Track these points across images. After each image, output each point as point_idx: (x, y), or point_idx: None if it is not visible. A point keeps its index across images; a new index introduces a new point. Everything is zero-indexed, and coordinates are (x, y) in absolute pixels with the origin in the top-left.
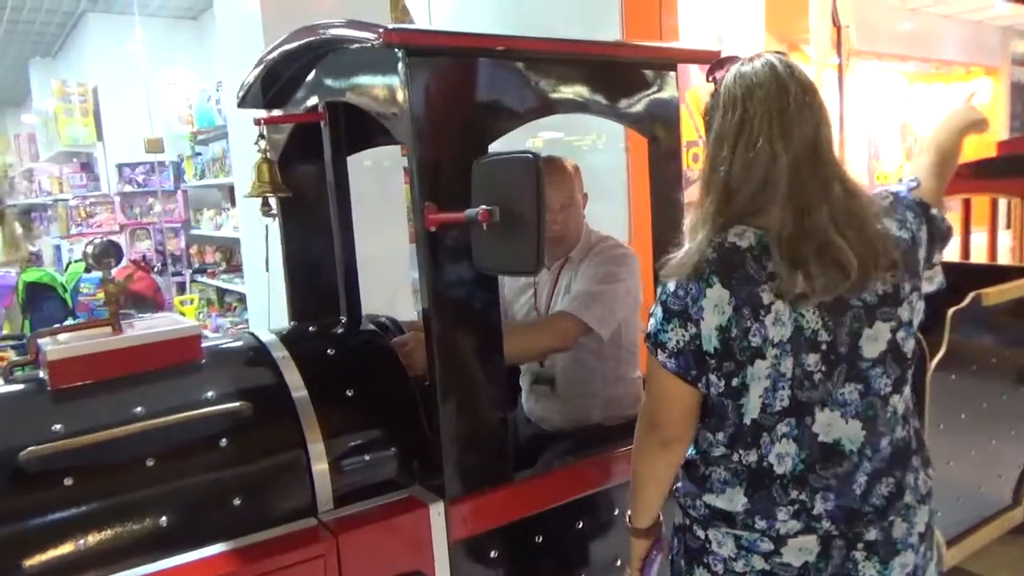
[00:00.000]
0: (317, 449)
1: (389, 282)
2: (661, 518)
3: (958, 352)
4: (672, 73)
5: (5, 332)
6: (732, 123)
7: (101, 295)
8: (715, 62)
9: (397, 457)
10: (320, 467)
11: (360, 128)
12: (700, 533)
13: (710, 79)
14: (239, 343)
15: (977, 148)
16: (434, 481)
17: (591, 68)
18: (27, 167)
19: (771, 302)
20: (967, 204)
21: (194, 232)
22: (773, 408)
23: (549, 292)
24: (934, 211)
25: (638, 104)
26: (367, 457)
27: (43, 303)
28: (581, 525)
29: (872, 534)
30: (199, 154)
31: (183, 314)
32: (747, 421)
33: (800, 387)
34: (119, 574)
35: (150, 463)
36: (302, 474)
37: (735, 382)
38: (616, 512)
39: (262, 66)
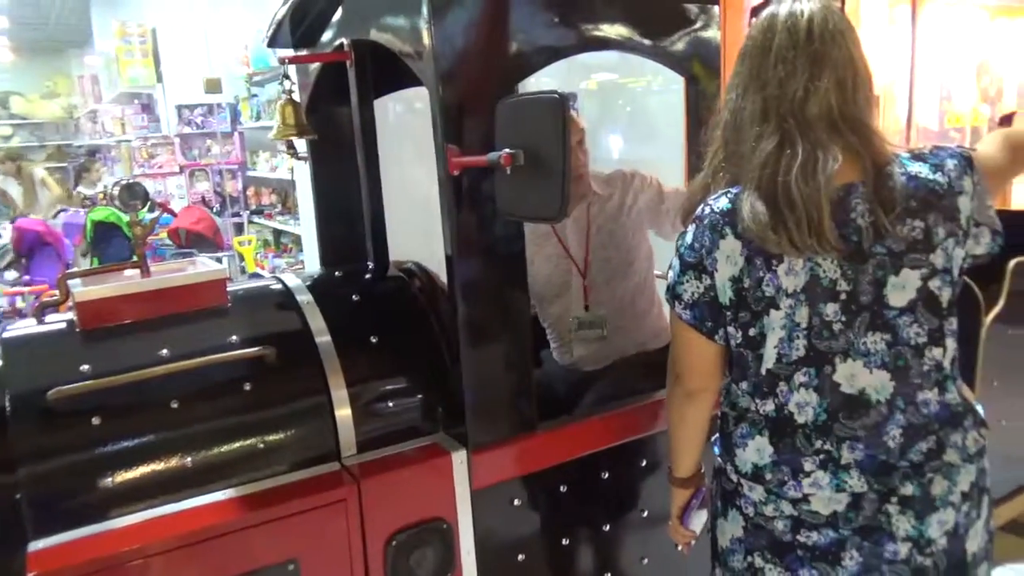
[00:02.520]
0: (340, 395)
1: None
2: (703, 468)
3: (1018, 305)
4: (715, 8)
5: (74, 270)
6: (745, 70)
7: (163, 234)
8: (756, 5)
9: (421, 404)
10: (343, 412)
11: (389, 69)
12: (733, 476)
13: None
14: (264, 288)
15: None
16: (458, 429)
17: (626, 1)
18: (91, 108)
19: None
20: None
21: (250, 174)
22: (789, 358)
23: (584, 234)
24: (979, 176)
25: (676, 41)
26: (390, 404)
27: (110, 241)
28: (607, 475)
29: (908, 489)
30: (255, 96)
31: (242, 255)
32: (763, 371)
33: (818, 337)
34: (143, 512)
35: (174, 405)
36: (325, 419)
37: (752, 332)
38: (644, 463)
39: (290, 3)
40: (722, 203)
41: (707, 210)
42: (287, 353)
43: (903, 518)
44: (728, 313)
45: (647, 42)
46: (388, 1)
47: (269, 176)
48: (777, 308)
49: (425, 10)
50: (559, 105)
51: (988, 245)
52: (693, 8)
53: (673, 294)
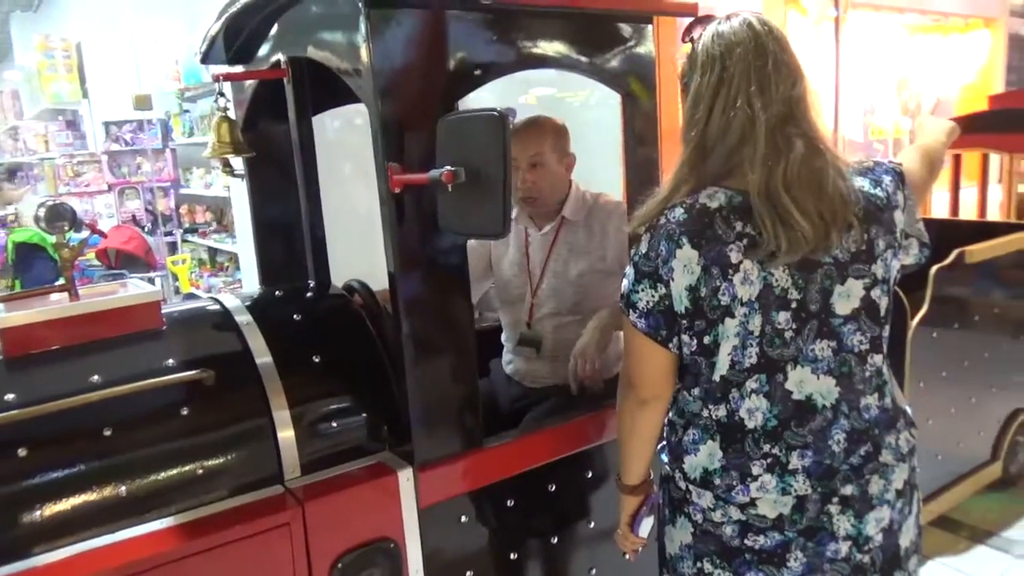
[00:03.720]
0: (282, 416)
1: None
2: (651, 476)
3: (940, 310)
4: (648, 27)
5: None
6: (710, 83)
7: (91, 255)
8: (692, 21)
9: (366, 423)
10: (286, 434)
11: (327, 85)
12: (682, 484)
13: (686, 39)
14: (201, 309)
15: (970, 102)
16: (404, 447)
17: (562, 20)
18: (11, 125)
19: (739, 261)
20: (957, 160)
21: (184, 191)
22: (742, 365)
23: (546, 254)
24: (909, 190)
25: (612, 59)
26: (334, 424)
27: (33, 263)
28: (554, 488)
29: (848, 489)
30: (187, 111)
31: (176, 274)
32: (716, 378)
33: (770, 344)
34: (76, 546)
35: (107, 433)
36: (267, 442)
37: (707, 340)
38: (590, 474)
39: (223, 19)
40: (678, 213)
41: (662, 220)
42: (226, 375)
43: (843, 518)
44: (683, 322)
45: (584, 60)
46: (325, 18)
47: (204, 193)
48: (732, 316)
49: (363, 27)
50: (500, 122)
51: (916, 256)
52: (628, 27)
53: (627, 303)
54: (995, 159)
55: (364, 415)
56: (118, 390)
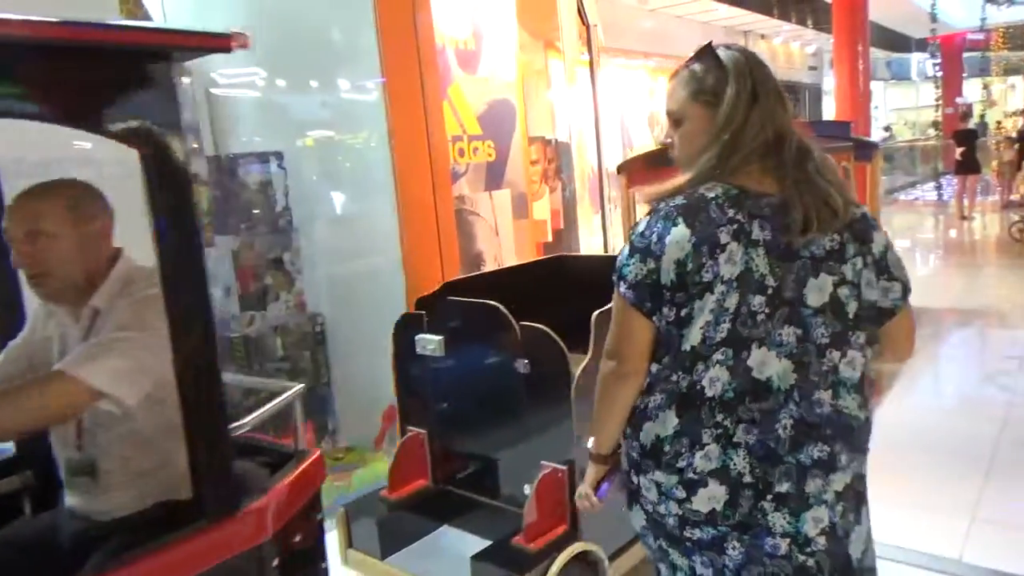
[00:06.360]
0: None
1: None
2: (622, 448)
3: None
4: (170, 64)
5: None
6: (747, 93)
7: None
8: (701, 48)
9: None
10: None
11: None
12: (634, 479)
13: (693, 64)
14: None
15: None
16: None
17: (27, 57)
18: None
19: (727, 242)
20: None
21: None
22: (713, 339)
23: None
24: (891, 243)
25: (115, 107)
26: None
27: None
28: None
29: (784, 487)
30: None
31: None
32: (686, 348)
33: (743, 324)
34: None
35: None
36: None
37: (684, 312)
38: None
39: None
40: (678, 200)
41: (662, 205)
42: None
43: (778, 515)
44: (667, 294)
45: (62, 111)
46: None
47: None
48: (711, 292)
49: None
50: None
51: (895, 299)
52: (137, 67)
53: (619, 275)
54: None
55: None
56: None
